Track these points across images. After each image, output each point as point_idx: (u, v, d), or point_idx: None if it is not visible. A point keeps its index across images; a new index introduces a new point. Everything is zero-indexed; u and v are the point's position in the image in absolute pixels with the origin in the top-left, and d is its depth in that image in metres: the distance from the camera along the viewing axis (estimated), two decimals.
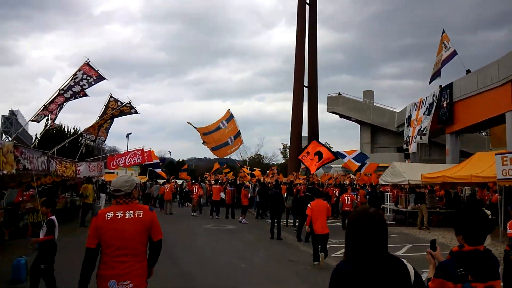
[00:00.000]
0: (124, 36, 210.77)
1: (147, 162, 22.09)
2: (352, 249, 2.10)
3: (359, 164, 20.80)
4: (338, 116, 42.32)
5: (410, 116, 33.08)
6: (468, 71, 25.16)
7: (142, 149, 19.20)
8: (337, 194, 20.06)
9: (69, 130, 26.22)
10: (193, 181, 24.03)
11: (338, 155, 20.80)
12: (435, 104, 27.92)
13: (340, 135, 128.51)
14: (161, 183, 29.01)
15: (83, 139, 18.25)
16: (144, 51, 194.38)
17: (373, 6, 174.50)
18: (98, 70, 14.42)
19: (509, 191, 18.50)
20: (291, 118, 42.80)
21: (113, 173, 56.24)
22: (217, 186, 20.30)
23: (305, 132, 44.12)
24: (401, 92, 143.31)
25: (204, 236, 14.23)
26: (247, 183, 22.47)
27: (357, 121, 40.48)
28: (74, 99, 14.32)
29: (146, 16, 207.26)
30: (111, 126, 19.21)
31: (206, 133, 21.72)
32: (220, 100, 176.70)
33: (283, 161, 60.69)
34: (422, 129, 28.64)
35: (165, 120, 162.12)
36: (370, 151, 39.05)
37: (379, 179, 20.43)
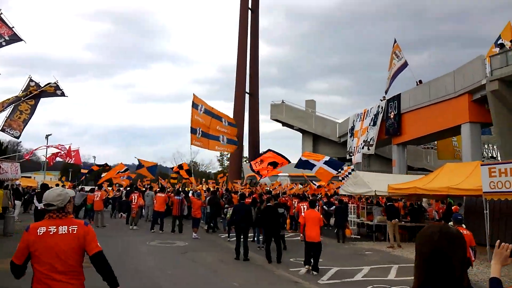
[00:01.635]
0: (48, 32, 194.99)
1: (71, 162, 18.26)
2: (431, 275, 1.70)
3: (336, 172, 18.72)
4: (281, 125, 40.68)
5: (353, 127, 32.27)
6: (419, 82, 24.57)
7: (69, 147, 15.55)
8: (295, 205, 17.81)
9: None
10: (127, 189, 20.48)
11: (301, 165, 18.47)
12: (380, 115, 27.17)
13: (281, 144, 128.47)
14: (87, 190, 25.06)
15: (5, 133, 14.37)
16: (69, 49, 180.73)
17: (305, 24, 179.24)
18: (13, 27, 10.97)
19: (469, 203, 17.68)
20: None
21: (29, 177, 49.78)
22: (163, 195, 17.03)
23: (245, 140, 42.00)
24: (329, 107, 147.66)
25: (151, 258, 11.12)
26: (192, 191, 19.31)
27: (299, 129, 39.08)
28: None
29: (74, 13, 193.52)
30: (28, 124, 15.35)
31: (204, 111, 18.42)
32: (152, 105, 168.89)
33: (220, 169, 57.91)
34: (368, 139, 27.69)
35: (89, 123, 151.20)
36: None
37: (340, 189, 18.61)
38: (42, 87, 12.72)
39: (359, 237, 16.77)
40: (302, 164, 18.81)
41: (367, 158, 32.86)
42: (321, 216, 10.78)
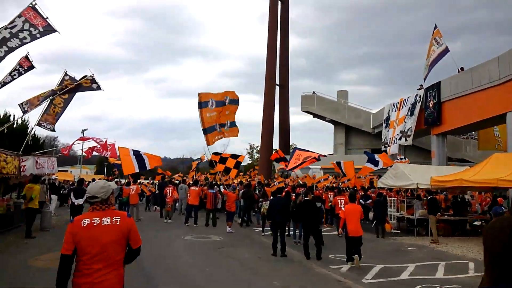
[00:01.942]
0: (81, 31, 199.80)
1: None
2: (504, 273, 1.50)
3: (376, 167, 18.13)
4: (312, 116, 39.89)
5: (388, 117, 31.09)
6: (461, 69, 23.25)
7: (106, 141, 15.48)
8: (331, 198, 17.19)
9: (15, 119, 21.65)
10: (159, 182, 20.36)
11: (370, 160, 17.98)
12: (418, 105, 25.96)
13: (312, 137, 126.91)
14: (123, 183, 25.22)
15: (41, 128, 14.44)
16: (102, 47, 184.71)
17: (334, 15, 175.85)
18: (47, 18, 10.67)
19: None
20: (262, 117, 40.11)
21: (66, 171, 51.07)
22: (196, 188, 16.74)
23: (275, 132, 41.56)
24: (358, 97, 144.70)
25: (186, 253, 10.84)
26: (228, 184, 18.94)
27: (331, 121, 38.19)
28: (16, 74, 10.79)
29: (105, 11, 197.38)
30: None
31: (216, 104, 16.76)
32: (182, 99, 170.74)
33: (250, 162, 57.63)
34: (405, 130, 26.55)
35: (123, 118, 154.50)
36: (344, 153, 36.86)
37: (378, 182, 17.84)
38: (78, 81, 12.64)
39: (399, 231, 16.00)
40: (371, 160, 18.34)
41: (403, 149, 31.57)
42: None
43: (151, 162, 17.83)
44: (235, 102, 17.98)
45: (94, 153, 18.41)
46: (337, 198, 15.77)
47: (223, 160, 19.36)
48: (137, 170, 17.50)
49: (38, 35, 10.58)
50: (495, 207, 11.58)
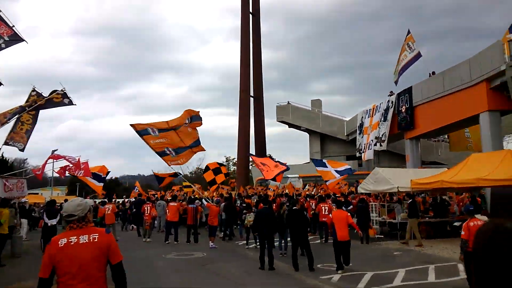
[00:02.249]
0: (51, 51, 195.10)
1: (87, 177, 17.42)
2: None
3: (339, 176, 18.00)
4: (287, 126, 39.87)
5: (362, 124, 31.37)
6: (432, 73, 23.70)
7: (78, 159, 14.75)
8: (313, 206, 16.94)
9: None
10: (137, 199, 19.60)
11: (316, 163, 17.81)
12: (391, 110, 26.28)
13: (288, 147, 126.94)
14: (97, 202, 24.20)
15: (9, 146, 13.47)
16: (73, 66, 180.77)
17: (303, 27, 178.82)
18: (13, 26, 10.01)
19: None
20: (238, 128, 39.78)
21: (37, 193, 49.02)
22: (175, 204, 16.15)
23: (251, 144, 41.28)
24: (330, 107, 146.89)
25: (172, 273, 10.28)
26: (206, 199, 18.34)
27: (306, 130, 38.25)
28: None
29: (75, 31, 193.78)
30: (32, 138, 14.46)
31: (159, 131, 15.52)
32: (155, 115, 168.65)
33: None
34: (380, 135, 26.78)
35: (94, 137, 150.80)
36: None
37: (358, 187, 17.75)
38: (48, 96, 12.00)
39: (382, 236, 15.88)
40: (318, 163, 18.12)
41: (377, 155, 31.95)
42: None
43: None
44: (197, 118, 17.28)
45: (67, 173, 17.50)
46: (321, 205, 15.62)
47: (217, 171, 19.11)
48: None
49: (3, 45, 9.79)
50: (466, 205, 11.67)
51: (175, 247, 14.53)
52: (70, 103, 12.18)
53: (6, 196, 12.32)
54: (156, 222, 19.21)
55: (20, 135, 12.56)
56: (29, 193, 42.52)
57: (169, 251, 13.49)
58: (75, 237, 3.26)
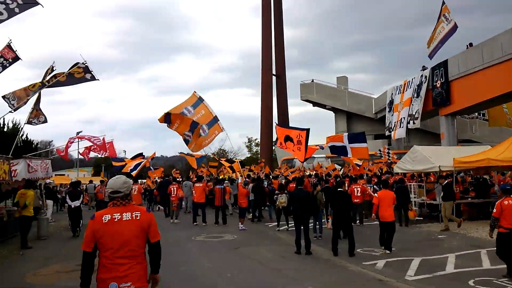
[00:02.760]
0: (73, 33, 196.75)
1: (114, 160, 17.06)
2: None
3: (366, 144, 16.73)
4: (312, 105, 38.74)
5: (392, 101, 30.02)
6: (470, 45, 22.15)
7: (103, 138, 14.24)
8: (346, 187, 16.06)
9: (5, 123, 20.21)
10: (166, 179, 19.11)
11: (335, 151, 16.73)
12: (424, 85, 24.86)
13: (313, 127, 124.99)
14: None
15: (32, 125, 12.94)
16: (94, 48, 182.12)
17: (325, 2, 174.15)
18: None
19: None
20: (260, 108, 39.02)
21: (63, 174, 49.67)
22: (200, 185, 15.59)
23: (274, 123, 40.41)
24: (353, 85, 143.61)
25: (202, 256, 9.70)
26: (239, 178, 17.64)
27: (332, 108, 37.05)
28: None
29: (95, 12, 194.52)
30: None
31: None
32: (177, 96, 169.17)
33: (248, 155, 56.49)
34: (413, 112, 25.47)
35: (118, 119, 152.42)
36: None
37: (394, 167, 16.76)
38: (69, 69, 11.38)
39: (422, 218, 14.95)
40: (336, 150, 17.04)
41: (407, 133, 30.59)
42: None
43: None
44: (197, 103, 17.59)
45: (92, 153, 17.12)
46: (353, 187, 14.84)
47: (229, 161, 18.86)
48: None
49: (16, 10, 9.09)
50: (502, 184, 10.65)
51: (204, 229, 14.00)
52: (93, 78, 11.56)
53: (30, 177, 11.91)
54: (183, 203, 18.74)
55: (26, 93, 11.81)
56: (55, 175, 42.97)
57: (198, 233, 12.95)
58: (119, 213, 3.35)
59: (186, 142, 17.30)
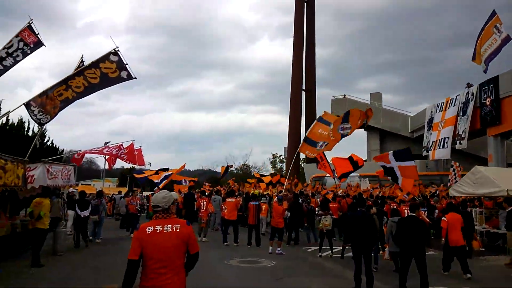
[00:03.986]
0: (107, 48, 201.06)
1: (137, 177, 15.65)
2: None
3: (413, 162, 14.91)
4: None
5: (431, 119, 27.85)
6: None
7: (132, 144, 12.79)
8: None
9: (29, 127, 19.07)
10: (193, 193, 17.48)
11: (387, 172, 14.98)
12: (471, 103, 22.74)
13: (344, 145, 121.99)
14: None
15: (27, 112, 10.14)
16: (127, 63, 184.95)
17: (352, 23, 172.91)
18: (38, 34, 10.15)
19: None
20: (288, 124, 37.37)
21: (89, 184, 48.91)
22: (233, 200, 13.86)
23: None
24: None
25: (237, 286, 7.98)
26: (272, 195, 15.86)
27: (365, 126, 35.02)
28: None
29: (130, 28, 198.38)
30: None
31: (327, 122, 15.80)
32: (203, 112, 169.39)
33: (272, 171, 54.65)
34: (459, 132, 23.30)
35: (145, 132, 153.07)
36: None
37: (450, 190, 14.72)
38: (100, 58, 9.98)
39: (484, 249, 12.81)
40: (387, 171, 15.23)
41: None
42: None
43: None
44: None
45: (118, 163, 15.74)
46: (403, 208, 13.01)
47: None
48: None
49: (28, 51, 10.16)
50: None
51: (236, 250, 12.26)
52: (130, 76, 10.14)
53: (50, 184, 10.52)
54: (211, 218, 17.06)
55: (54, 103, 10.14)
56: (81, 184, 42.08)
57: (230, 255, 11.20)
58: (161, 226, 3.53)
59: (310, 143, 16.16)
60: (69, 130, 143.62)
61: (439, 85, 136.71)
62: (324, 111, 16.53)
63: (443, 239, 9.60)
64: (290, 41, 38.99)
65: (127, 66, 10.06)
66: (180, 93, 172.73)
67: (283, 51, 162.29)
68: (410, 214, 7.92)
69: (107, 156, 14.38)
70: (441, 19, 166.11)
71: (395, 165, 15.14)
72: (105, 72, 10.11)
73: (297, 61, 38.87)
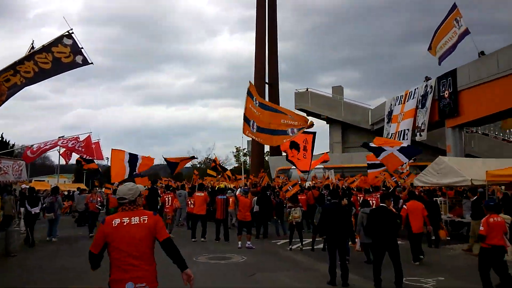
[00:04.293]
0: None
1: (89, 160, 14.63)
2: None
3: (407, 160, 14.75)
4: (306, 114, 36.93)
5: (391, 111, 28.46)
6: (481, 53, 20.74)
7: (89, 136, 11.93)
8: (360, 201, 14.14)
9: None
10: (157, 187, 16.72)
11: (371, 149, 14.91)
12: (430, 96, 23.36)
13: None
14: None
15: None
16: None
17: (312, 18, 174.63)
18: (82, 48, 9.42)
19: None
20: None
21: (43, 180, 46.40)
22: (202, 194, 13.37)
23: None
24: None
25: (209, 285, 7.54)
26: (236, 189, 15.35)
27: (327, 119, 35.32)
28: None
29: (84, 19, 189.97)
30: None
31: (260, 105, 13.96)
32: (163, 106, 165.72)
33: (236, 165, 54.30)
34: (419, 124, 23.89)
35: (102, 126, 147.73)
36: (342, 151, 34.11)
37: (414, 180, 14.91)
38: (52, 41, 9.04)
39: (449, 238, 13.06)
40: (372, 148, 15.20)
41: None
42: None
43: (141, 166, 14.75)
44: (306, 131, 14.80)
45: (74, 158, 14.69)
46: (368, 198, 12.98)
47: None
48: (126, 177, 14.38)
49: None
50: (486, 200, 9.69)
51: (204, 246, 11.78)
52: (85, 61, 9.30)
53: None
54: (176, 214, 16.41)
55: (0, 90, 9.13)
56: (34, 180, 39.75)
57: (199, 252, 10.70)
58: (127, 218, 3.49)
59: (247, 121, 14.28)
60: (19, 125, 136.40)
61: (395, 80, 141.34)
62: (249, 81, 14.91)
63: (402, 226, 9.63)
64: (251, 35, 38.83)
65: (82, 50, 9.24)
66: (138, 86, 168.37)
67: (244, 44, 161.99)
68: (381, 204, 7.79)
69: (62, 150, 13.30)
70: (396, 15, 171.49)
71: (390, 151, 14.86)
72: (57, 57, 9.22)
73: (260, 55, 38.66)
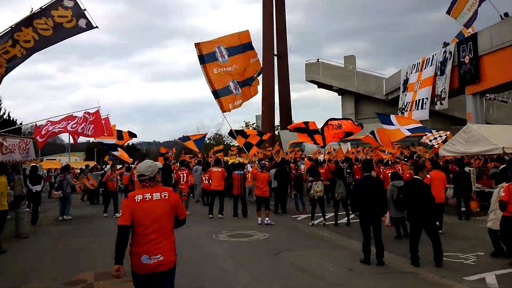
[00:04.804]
0: None
1: (103, 140, 14.05)
2: None
3: (409, 133, 14.23)
4: (317, 86, 35.89)
5: (407, 80, 27.33)
6: (505, 15, 19.48)
7: (97, 111, 11.26)
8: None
9: None
10: (170, 164, 16.12)
11: (384, 119, 14.22)
12: (450, 62, 22.21)
13: (316, 111, 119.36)
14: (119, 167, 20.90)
15: None
16: (85, 33, 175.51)
17: None
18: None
19: None
20: (262, 90, 36.08)
21: (54, 159, 46.33)
22: (219, 170, 12.69)
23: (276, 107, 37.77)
24: None
25: (236, 267, 6.96)
26: (254, 163, 14.58)
27: (339, 90, 34.24)
28: None
29: None
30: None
31: (211, 56, 12.51)
32: (171, 82, 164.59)
33: None
34: (439, 92, 22.84)
35: (109, 104, 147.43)
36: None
37: (440, 150, 14.12)
38: (53, 1, 8.24)
39: (478, 209, 12.38)
40: (386, 119, 14.51)
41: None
42: None
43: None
44: (250, 47, 13.42)
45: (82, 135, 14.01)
46: (387, 172, 12.37)
47: (244, 134, 15.37)
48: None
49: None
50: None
51: (223, 223, 11.25)
52: (89, 25, 8.52)
53: (5, 160, 9.00)
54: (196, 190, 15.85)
55: None
56: (46, 159, 39.58)
57: (218, 229, 10.17)
58: (149, 194, 3.59)
59: (221, 94, 13.19)
60: (27, 105, 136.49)
61: (405, 49, 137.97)
62: (194, 43, 13.45)
63: None
64: (257, 7, 37.42)
65: (85, 12, 8.44)
66: (144, 63, 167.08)
67: (250, 17, 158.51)
68: (414, 177, 7.09)
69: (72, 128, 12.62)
70: None
71: (398, 127, 14.28)
72: (59, 22, 8.42)
73: (268, 26, 37.42)
